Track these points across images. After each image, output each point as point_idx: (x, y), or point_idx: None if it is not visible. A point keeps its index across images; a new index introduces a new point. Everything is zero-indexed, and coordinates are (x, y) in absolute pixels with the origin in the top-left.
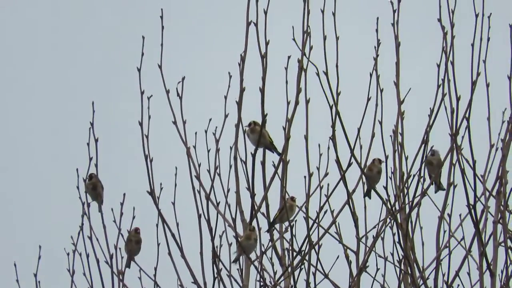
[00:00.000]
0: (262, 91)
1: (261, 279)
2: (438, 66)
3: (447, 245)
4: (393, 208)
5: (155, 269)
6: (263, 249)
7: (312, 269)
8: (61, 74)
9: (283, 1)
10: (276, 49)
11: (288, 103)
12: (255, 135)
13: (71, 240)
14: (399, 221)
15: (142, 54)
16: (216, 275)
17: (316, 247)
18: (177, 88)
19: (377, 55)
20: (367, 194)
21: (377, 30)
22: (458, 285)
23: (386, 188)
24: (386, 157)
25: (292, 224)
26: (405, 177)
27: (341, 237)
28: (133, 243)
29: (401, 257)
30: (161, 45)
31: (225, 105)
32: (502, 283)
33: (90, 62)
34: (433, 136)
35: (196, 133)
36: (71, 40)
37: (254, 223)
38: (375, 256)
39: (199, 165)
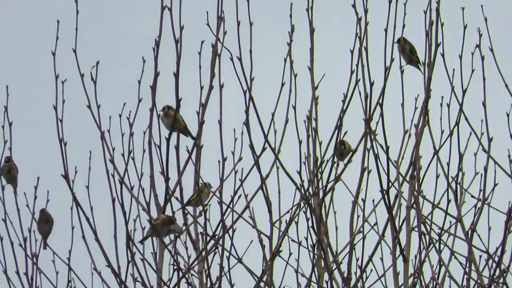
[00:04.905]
0: (176, 76)
1: (175, 263)
2: (352, 51)
3: (361, 230)
4: (307, 193)
5: (69, 252)
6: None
7: (226, 253)
8: None
9: None
10: (191, 34)
11: (202, 88)
12: (169, 120)
13: None
14: (313, 206)
15: (57, 38)
16: (130, 259)
17: (230, 231)
18: (91, 73)
19: (291, 41)
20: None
21: (291, 16)
22: (371, 270)
23: (300, 173)
24: (300, 142)
25: (206, 208)
26: (318, 162)
27: (255, 222)
28: (43, 222)
29: (314, 242)
30: (76, 29)
31: (139, 90)
32: (415, 268)
33: (4, 45)
34: (346, 122)
35: (110, 117)
36: None
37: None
38: (288, 241)
39: (113, 149)
